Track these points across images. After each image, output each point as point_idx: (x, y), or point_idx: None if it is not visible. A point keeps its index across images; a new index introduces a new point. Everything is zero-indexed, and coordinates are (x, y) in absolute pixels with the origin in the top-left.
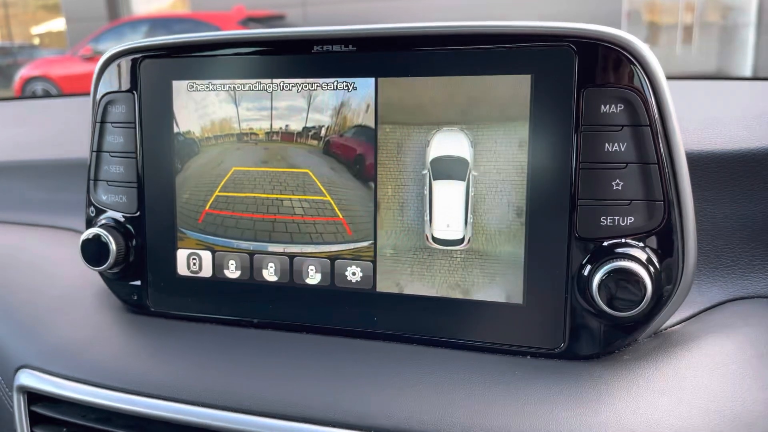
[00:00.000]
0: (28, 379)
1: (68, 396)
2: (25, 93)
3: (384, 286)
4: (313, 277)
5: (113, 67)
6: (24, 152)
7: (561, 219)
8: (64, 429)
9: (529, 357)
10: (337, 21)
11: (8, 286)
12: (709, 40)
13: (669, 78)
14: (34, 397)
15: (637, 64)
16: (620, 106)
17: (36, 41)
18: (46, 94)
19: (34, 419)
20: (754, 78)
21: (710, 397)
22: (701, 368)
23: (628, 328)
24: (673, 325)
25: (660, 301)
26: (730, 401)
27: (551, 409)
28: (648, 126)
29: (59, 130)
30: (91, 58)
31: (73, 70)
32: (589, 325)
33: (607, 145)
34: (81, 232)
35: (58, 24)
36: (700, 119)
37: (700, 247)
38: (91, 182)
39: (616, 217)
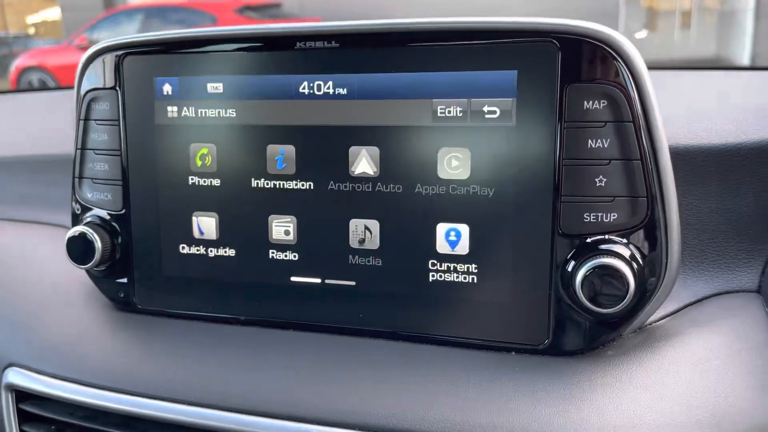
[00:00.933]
0: (16, 377)
1: (56, 394)
2: (21, 83)
3: None
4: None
5: (96, 63)
6: (16, 147)
7: (545, 216)
8: (53, 427)
9: (513, 353)
10: (333, 10)
11: None
12: (708, 25)
13: (659, 68)
14: (22, 395)
15: (620, 60)
16: (603, 102)
17: (31, 31)
18: (42, 85)
19: (23, 417)
20: (746, 68)
21: (693, 392)
22: (685, 364)
23: (612, 324)
24: (658, 320)
25: (644, 297)
26: (714, 397)
27: (534, 405)
28: (631, 122)
29: (52, 124)
30: (87, 48)
31: (69, 60)
32: (573, 321)
33: (590, 141)
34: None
35: (53, 13)
36: (688, 112)
37: (686, 242)
38: (76, 180)
39: (600, 214)
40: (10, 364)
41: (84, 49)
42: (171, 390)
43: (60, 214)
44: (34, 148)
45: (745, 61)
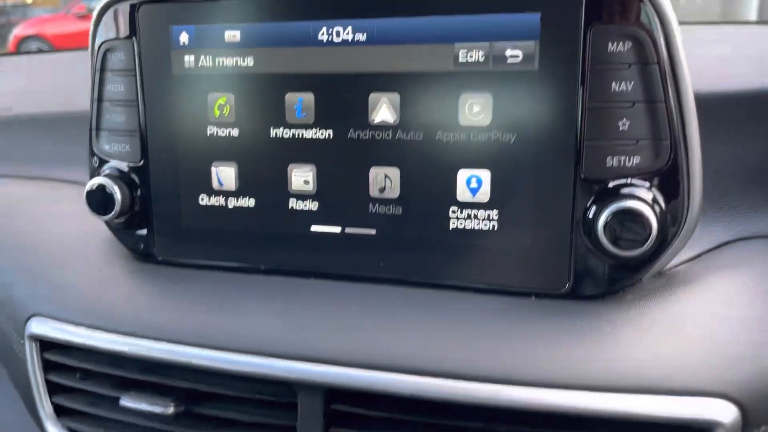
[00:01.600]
0: (39, 326)
1: (79, 342)
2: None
3: None
4: None
5: (111, 13)
6: (32, 105)
7: (567, 160)
8: (78, 375)
9: (534, 297)
10: None
11: (18, 237)
12: None
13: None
14: (46, 344)
15: (646, 1)
16: (628, 44)
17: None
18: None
19: (47, 366)
20: (764, 22)
21: (712, 335)
22: (704, 307)
23: (633, 268)
24: (677, 265)
25: (665, 240)
26: (732, 339)
27: (557, 343)
28: (656, 64)
29: (68, 83)
30: (85, 16)
31: (67, 29)
32: (593, 265)
33: (614, 84)
34: None
35: None
36: (710, 58)
37: (706, 187)
38: (94, 132)
39: (622, 157)
40: (33, 314)
41: (82, 17)
42: (193, 335)
43: (78, 170)
44: (44, 106)
45: (753, 17)
